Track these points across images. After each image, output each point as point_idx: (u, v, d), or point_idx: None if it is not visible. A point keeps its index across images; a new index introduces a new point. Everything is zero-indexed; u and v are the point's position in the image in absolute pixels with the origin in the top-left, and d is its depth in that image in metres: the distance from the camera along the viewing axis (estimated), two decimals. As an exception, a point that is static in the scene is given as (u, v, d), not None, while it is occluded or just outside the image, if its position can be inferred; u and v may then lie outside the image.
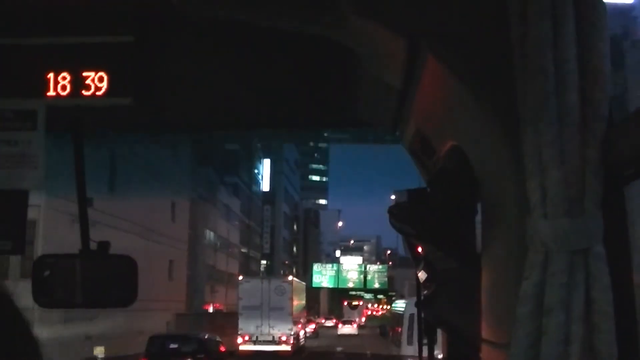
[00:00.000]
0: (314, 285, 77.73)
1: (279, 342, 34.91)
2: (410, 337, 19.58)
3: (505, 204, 1.57)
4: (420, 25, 1.67)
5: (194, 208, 48.76)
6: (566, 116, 1.34)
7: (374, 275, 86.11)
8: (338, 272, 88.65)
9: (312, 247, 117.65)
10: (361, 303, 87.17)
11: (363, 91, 2.53)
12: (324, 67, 2.56)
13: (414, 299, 2.90)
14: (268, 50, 2.52)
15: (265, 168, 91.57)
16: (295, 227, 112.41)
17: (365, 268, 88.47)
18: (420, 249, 2.35)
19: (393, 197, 2.14)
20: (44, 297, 2.72)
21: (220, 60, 2.54)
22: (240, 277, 39.06)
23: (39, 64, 2.44)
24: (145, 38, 2.44)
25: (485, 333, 1.75)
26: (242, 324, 34.95)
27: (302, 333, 41.51)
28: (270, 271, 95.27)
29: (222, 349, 25.75)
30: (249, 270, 76.74)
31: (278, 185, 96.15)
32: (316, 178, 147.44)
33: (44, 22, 2.40)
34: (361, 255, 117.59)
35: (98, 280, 2.74)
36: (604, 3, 1.40)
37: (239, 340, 34.72)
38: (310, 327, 58.19)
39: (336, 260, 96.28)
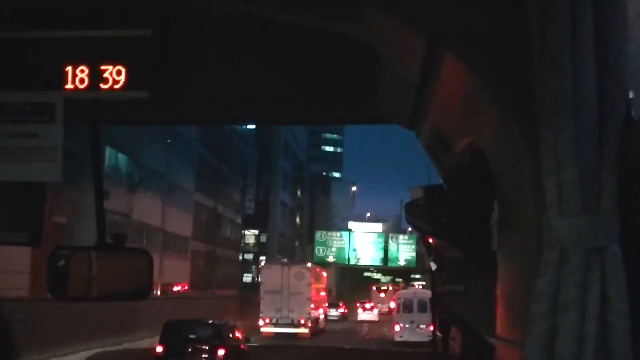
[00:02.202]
0: (316, 260, 56.38)
1: (298, 325, 37.05)
2: (397, 313, 35.29)
3: (522, 201, 1.57)
4: (439, 22, 1.67)
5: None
6: (583, 114, 1.35)
7: (398, 249, 63.29)
8: (350, 243, 65.38)
9: (321, 219, 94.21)
10: (390, 288, 69.17)
11: (381, 87, 2.52)
12: (342, 63, 2.54)
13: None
14: (286, 45, 2.51)
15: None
16: (299, 192, 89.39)
17: (386, 239, 65.30)
18: (431, 240, 2.42)
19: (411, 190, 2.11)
20: (60, 289, 2.79)
21: (237, 54, 2.54)
22: (262, 264, 41.96)
23: (57, 57, 2.44)
24: (163, 32, 2.44)
25: (499, 330, 1.76)
26: (263, 308, 37.20)
27: (322, 317, 42.97)
28: (263, 246, 72.93)
29: (239, 334, 23.76)
30: (216, 235, 53.70)
31: (274, 131, 72.67)
32: (329, 149, 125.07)
33: (62, 15, 2.42)
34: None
35: (113, 273, 2.81)
36: (623, 1, 1.40)
37: (261, 322, 37.28)
38: (339, 311, 57.01)
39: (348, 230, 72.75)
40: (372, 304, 61.91)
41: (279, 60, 2.52)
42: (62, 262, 2.74)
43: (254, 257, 73.07)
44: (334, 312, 54.32)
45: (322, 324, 42.79)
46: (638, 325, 1.33)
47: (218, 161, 53.13)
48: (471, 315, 2.14)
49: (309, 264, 41.37)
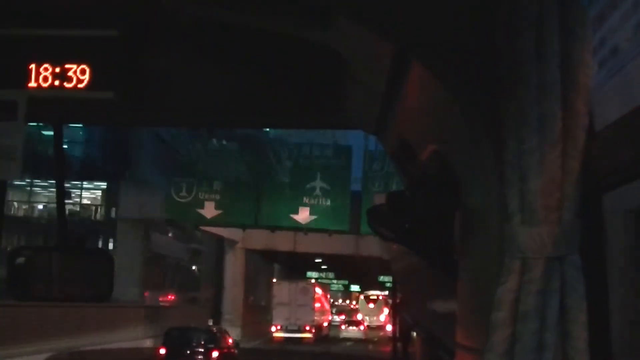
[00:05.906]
0: (172, 217, 15.49)
1: (303, 331, 44.33)
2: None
3: (485, 210, 1.60)
4: (408, 31, 1.68)
5: None
6: (547, 125, 1.37)
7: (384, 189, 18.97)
8: (261, 172, 19.67)
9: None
10: (380, 297, 58.78)
11: (347, 94, 2.53)
12: (309, 69, 2.56)
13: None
14: (253, 50, 2.52)
15: None
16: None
17: (366, 166, 21.23)
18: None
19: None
20: (20, 290, 2.76)
21: (204, 57, 2.54)
22: (274, 280, 49.51)
23: (21, 54, 2.43)
24: (130, 33, 2.44)
25: (459, 337, 1.77)
26: (275, 317, 44.94)
27: (325, 325, 52.37)
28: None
29: (230, 340, 27.57)
30: None
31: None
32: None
33: (28, 13, 2.40)
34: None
35: (74, 274, 2.77)
36: (588, 15, 1.43)
37: (273, 329, 44.93)
38: (342, 317, 65.24)
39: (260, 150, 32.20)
40: (359, 318, 58.44)
41: (246, 64, 2.52)
42: (22, 262, 2.73)
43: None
44: (336, 318, 64.95)
45: (325, 331, 51.11)
46: (596, 334, 1.35)
47: None
48: (432, 322, 2.12)
49: (313, 280, 50.39)
